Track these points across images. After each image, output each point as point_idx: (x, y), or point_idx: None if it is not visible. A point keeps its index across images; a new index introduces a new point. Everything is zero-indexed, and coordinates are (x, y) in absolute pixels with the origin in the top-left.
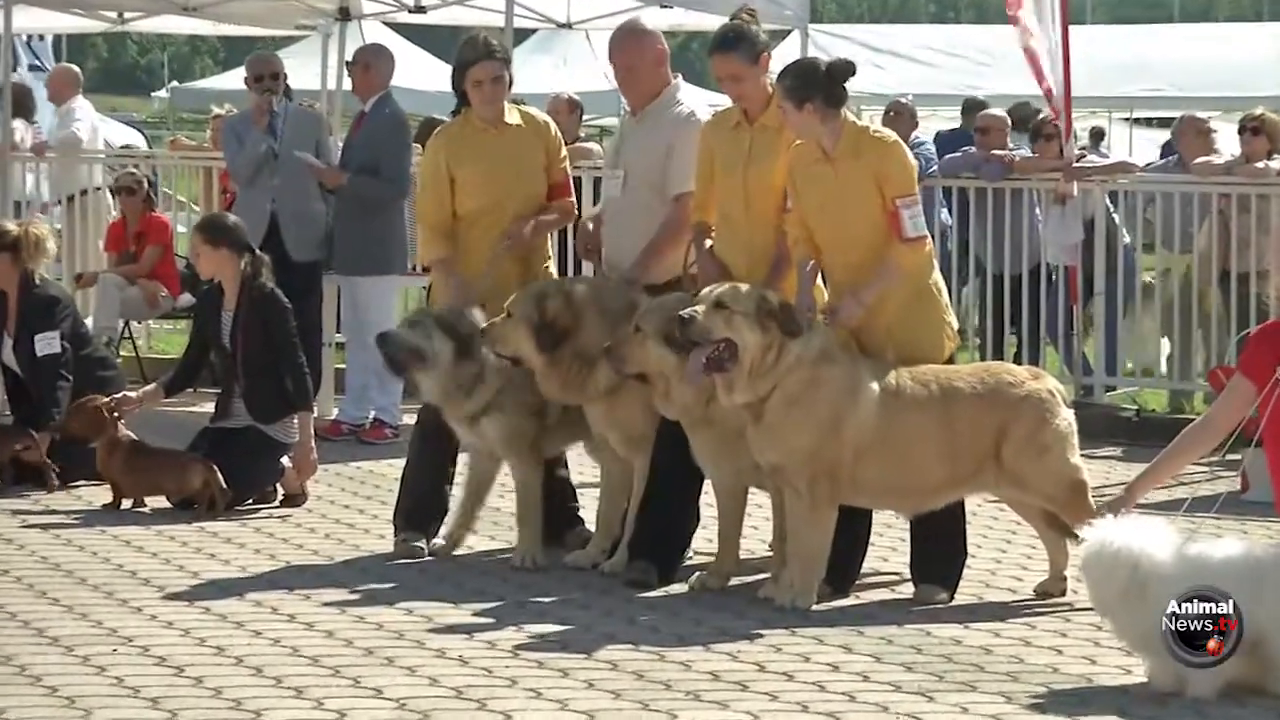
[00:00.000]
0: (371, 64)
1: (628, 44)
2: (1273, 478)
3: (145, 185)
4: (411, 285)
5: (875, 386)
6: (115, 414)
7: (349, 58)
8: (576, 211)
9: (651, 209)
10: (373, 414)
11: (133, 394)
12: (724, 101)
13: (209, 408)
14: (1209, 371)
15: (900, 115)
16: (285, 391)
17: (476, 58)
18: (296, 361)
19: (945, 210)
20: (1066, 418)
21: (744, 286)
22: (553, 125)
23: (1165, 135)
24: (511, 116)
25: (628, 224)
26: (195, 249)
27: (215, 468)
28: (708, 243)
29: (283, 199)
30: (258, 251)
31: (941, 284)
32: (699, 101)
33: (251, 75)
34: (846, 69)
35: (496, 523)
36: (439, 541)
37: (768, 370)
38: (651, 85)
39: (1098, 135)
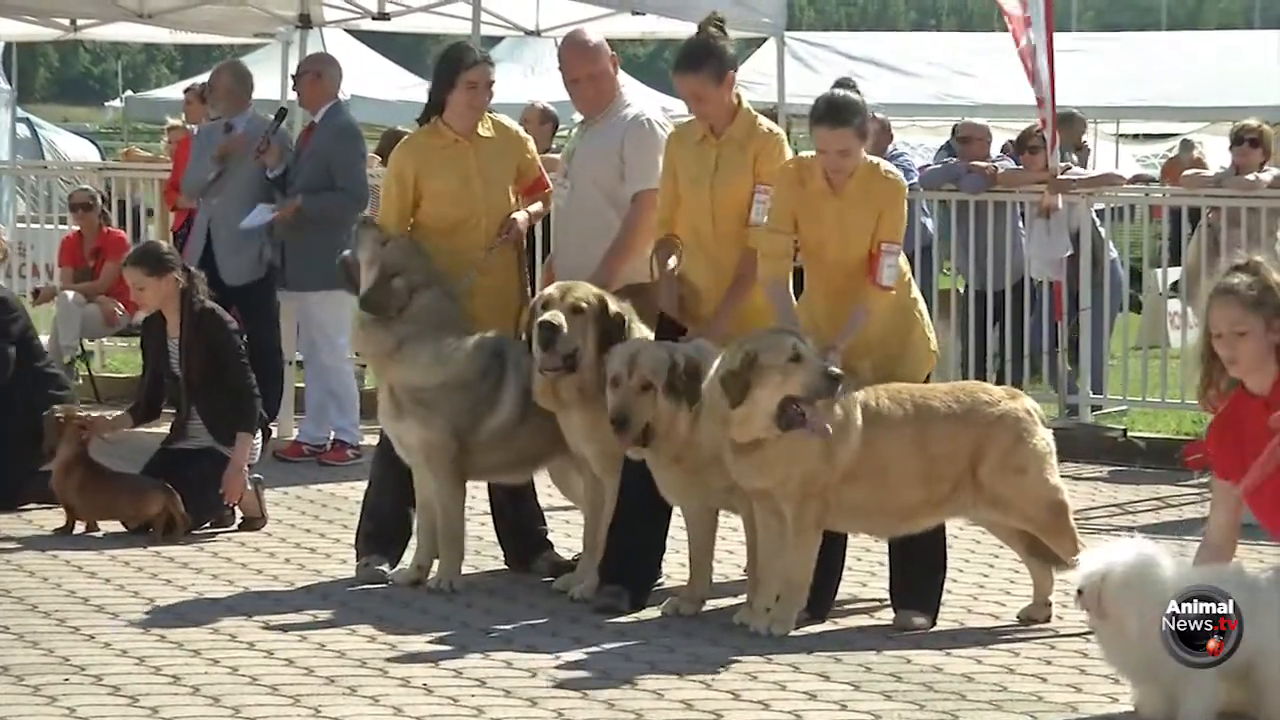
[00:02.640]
0: (323, 72)
1: (575, 56)
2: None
3: (100, 200)
4: None
5: (859, 407)
6: (86, 432)
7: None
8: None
9: (602, 215)
10: (333, 435)
11: (107, 416)
12: (678, 104)
13: (166, 429)
14: (1185, 446)
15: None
16: None
17: (474, 61)
18: (244, 381)
19: (929, 220)
20: (1044, 437)
21: (778, 334)
22: (524, 135)
23: (1151, 150)
24: (484, 128)
25: (577, 232)
26: (138, 284)
27: (176, 493)
28: (672, 261)
29: (219, 219)
30: (191, 270)
31: (922, 303)
32: (648, 102)
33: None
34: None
35: None
36: (408, 571)
37: None
38: (602, 95)
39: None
